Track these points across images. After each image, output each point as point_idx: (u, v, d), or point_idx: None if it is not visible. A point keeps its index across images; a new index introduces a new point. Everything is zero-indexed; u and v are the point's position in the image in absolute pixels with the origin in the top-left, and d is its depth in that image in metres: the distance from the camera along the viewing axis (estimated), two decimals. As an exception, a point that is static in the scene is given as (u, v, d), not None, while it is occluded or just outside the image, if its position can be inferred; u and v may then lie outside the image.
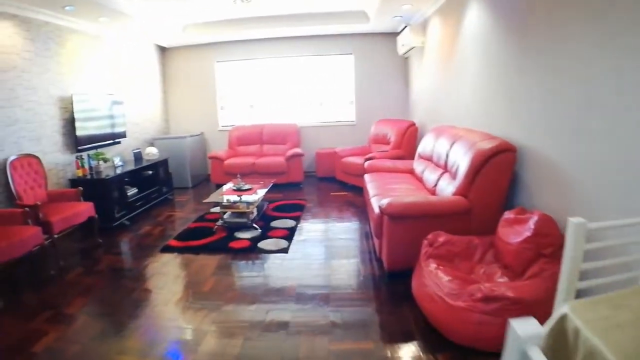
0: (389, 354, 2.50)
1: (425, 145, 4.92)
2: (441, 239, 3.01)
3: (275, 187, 6.36)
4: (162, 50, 8.22)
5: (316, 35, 7.75)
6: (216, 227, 4.84)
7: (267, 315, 3.00)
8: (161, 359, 2.56)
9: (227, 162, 7.20)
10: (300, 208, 5.68)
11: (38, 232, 3.72)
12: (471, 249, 3.08)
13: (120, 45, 6.76)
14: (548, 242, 2.61)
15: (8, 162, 4.22)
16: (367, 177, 5.07)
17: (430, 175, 4.33)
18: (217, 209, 4.93)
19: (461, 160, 3.53)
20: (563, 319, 1.39)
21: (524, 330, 1.22)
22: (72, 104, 5.18)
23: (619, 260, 1.72)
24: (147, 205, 6.00)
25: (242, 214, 4.87)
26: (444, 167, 4.09)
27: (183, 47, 8.19)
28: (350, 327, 2.82)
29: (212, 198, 4.94)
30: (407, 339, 2.65)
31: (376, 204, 3.64)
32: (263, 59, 8.14)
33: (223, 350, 2.60)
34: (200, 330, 2.84)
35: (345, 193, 6.57)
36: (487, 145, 3.28)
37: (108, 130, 6.02)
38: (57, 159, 5.12)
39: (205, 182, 7.92)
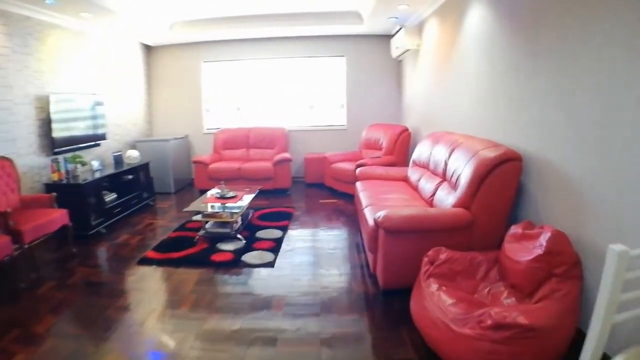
0: (386, 388, 2.23)
1: (420, 152, 4.66)
2: (443, 256, 2.75)
3: (261, 194, 6.06)
4: (148, 49, 7.89)
5: (307, 36, 7.49)
6: (197, 237, 4.51)
7: (251, 337, 2.71)
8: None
9: (211, 166, 6.88)
10: (287, 217, 5.39)
11: (7, 242, 3.42)
12: (474, 266, 2.83)
13: (103, 43, 6.44)
14: (560, 261, 2.37)
15: (-22, 164, 3.88)
16: (358, 185, 4.81)
17: (426, 185, 4.08)
18: (199, 217, 4.62)
19: (462, 169, 3.27)
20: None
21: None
22: (48, 103, 4.89)
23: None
24: (127, 212, 5.68)
25: (225, 224, 4.56)
26: (442, 175, 3.84)
27: (169, 46, 7.87)
28: (342, 352, 2.55)
29: (194, 206, 4.61)
30: (406, 368, 2.38)
31: (370, 215, 3.37)
32: (251, 60, 7.85)
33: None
34: (179, 354, 2.56)
35: (335, 200, 6.29)
36: (491, 153, 3.04)
37: (87, 132, 5.72)
38: (32, 162, 4.81)
39: (188, 188, 7.58)
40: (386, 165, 5.74)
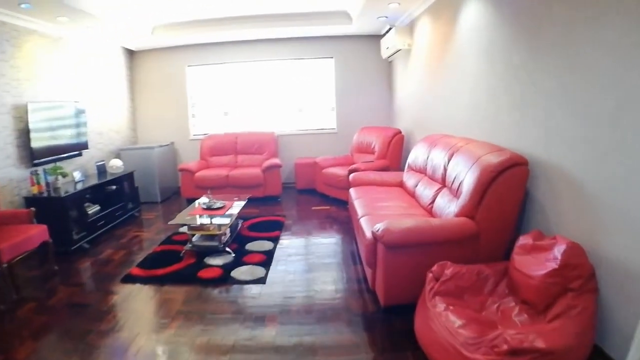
0: None
1: (416, 156, 4.46)
2: (448, 272, 2.54)
3: (251, 202, 5.82)
4: (130, 53, 7.60)
5: (294, 37, 7.27)
6: (184, 251, 4.26)
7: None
8: None
9: (198, 174, 6.61)
10: (278, 226, 5.15)
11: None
12: (481, 280, 2.63)
13: (84, 48, 6.16)
14: (576, 275, 2.19)
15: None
16: (352, 192, 4.59)
17: (425, 191, 3.87)
18: (185, 229, 4.38)
19: (464, 175, 3.07)
20: None
21: None
22: (27, 112, 4.65)
23: None
24: (111, 225, 5.42)
25: (213, 237, 4.31)
26: (441, 181, 3.64)
27: (152, 50, 7.59)
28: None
29: (179, 219, 4.35)
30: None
31: (367, 227, 3.15)
32: (237, 63, 7.61)
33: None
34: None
35: (328, 207, 6.08)
36: (495, 158, 2.84)
37: (68, 141, 5.46)
38: (10, 174, 4.58)
39: (175, 197, 7.30)
40: (379, 170, 5.55)
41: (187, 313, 3.17)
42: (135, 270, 3.99)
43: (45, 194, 4.68)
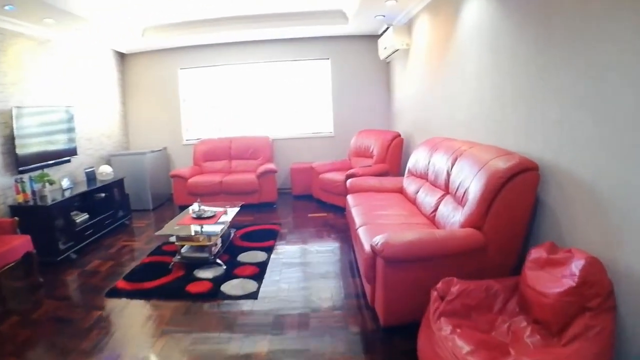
0: None
1: (417, 160, 4.24)
2: (455, 290, 2.31)
3: (246, 208, 5.60)
4: (121, 56, 7.39)
5: (289, 38, 7.06)
6: (172, 263, 4.03)
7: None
8: None
9: (190, 181, 6.38)
10: (273, 235, 4.91)
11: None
12: (490, 297, 2.40)
13: (72, 51, 5.95)
14: (595, 293, 1.96)
15: None
16: (350, 198, 4.37)
17: (426, 198, 3.65)
18: (174, 239, 4.15)
19: (470, 182, 2.85)
20: None
21: None
22: (12, 118, 4.47)
23: None
24: (100, 234, 5.21)
25: (203, 248, 4.08)
26: (444, 188, 3.42)
27: (143, 53, 7.38)
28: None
29: (166, 229, 4.12)
30: None
31: (366, 239, 2.93)
32: (231, 65, 7.39)
33: None
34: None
35: (325, 214, 5.85)
36: (503, 163, 2.62)
37: (56, 147, 5.26)
38: (-5, 182, 4.40)
39: (168, 203, 7.07)
40: (378, 175, 5.33)
41: (173, 332, 2.95)
42: (121, 284, 3.78)
43: (31, 203, 4.51)
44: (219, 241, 4.21)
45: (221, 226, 4.13)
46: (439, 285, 2.35)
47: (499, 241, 2.62)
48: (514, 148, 2.92)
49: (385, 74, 7.27)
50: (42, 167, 4.93)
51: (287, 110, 7.55)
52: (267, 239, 4.75)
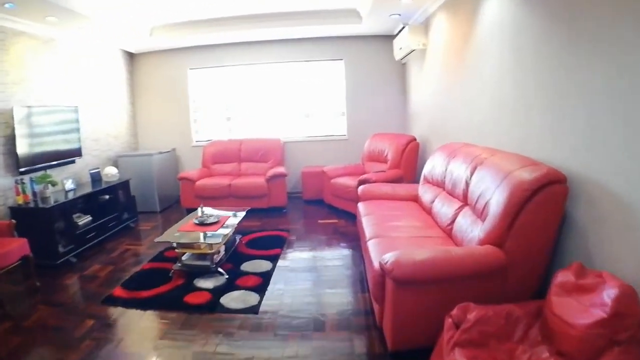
0: None
1: (433, 167, 3.99)
2: (471, 316, 2.06)
3: (255, 213, 5.41)
4: (130, 56, 7.28)
5: (302, 38, 6.86)
6: (173, 271, 3.85)
7: None
8: None
9: (198, 183, 6.22)
10: (280, 243, 4.70)
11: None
12: (511, 324, 2.14)
13: (77, 50, 5.83)
14: (626, 325, 1.71)
15: None
16: (361, 207, 4.13)
17: (443, 208, 3.40)
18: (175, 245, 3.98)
19: (492, 193, 2.59)
20: None
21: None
22: (12, 117, 4.38)
23: None
24: (103, 237, 5.07)
25: (204, 255, 3.89)
26: (462, 198, 3.16)
27: (153, 53, 7.26)
28: None
29: (166, 236, 3.94)
30: None
31: (375, 255, 2.70)
32: (241, 66, 7.21)
33: None
34: None
35: (336, 220, 5.62)
36: (528, 174, 2.37)
37: (59, 148, 5.14)
38: (-5, 183, 4.31)
39: (176, 206, 6.92)
40: (392, 181, 5.09)
41: (167, 347, 2.78)
42: (118, 291, 3.62)
43: (31, 204, 4.41)
44: (222, 249, 4.02)
45: (224, 234, 3.92)
46: (454, 311, 2.11)
47: (521, 261, 2.36)
48: (538, 155, 2.67)
49: (400, 76, 7.02)
50: (45, 168, 4.82)
51: (299, 112, 7.34)
52: (273, 247, 4.54)
